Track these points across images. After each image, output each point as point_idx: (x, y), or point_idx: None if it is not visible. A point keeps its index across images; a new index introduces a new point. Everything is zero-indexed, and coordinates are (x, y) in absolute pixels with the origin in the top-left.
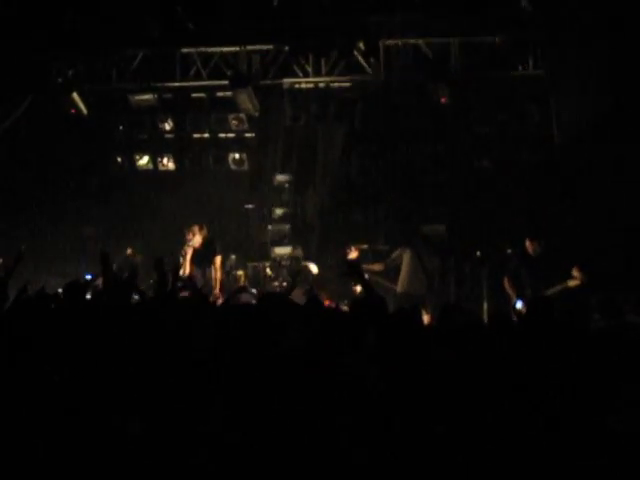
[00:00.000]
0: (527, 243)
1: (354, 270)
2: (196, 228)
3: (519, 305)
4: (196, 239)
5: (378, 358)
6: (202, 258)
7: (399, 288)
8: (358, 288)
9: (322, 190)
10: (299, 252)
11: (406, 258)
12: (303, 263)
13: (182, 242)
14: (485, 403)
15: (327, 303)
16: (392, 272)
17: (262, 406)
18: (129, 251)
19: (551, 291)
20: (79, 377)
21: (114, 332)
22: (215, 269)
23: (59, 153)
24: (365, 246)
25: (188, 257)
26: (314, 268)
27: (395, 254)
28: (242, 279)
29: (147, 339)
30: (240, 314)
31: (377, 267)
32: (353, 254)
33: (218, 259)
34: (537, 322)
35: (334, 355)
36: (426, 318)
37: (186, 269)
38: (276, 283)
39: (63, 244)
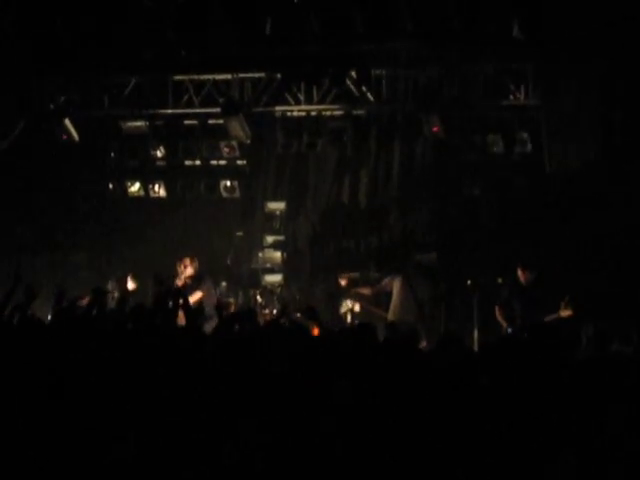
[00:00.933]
0: (519, 272)
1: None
2: (187, 260)
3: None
4: (187, 271)
5: (361, 388)
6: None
7: (390, 316)
8: (348, 316)
9: (313, 217)
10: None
11: (397, 286)
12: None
13: (173, 273)
14: (481, 436)
15: (315, 331)
16: (384, 300)
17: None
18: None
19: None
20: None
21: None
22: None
23: (50, 179)
24: (356, 274)
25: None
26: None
27: (385, 281)
28: (232, 307)
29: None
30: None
31: (366, 291)
32: (343, 282)
33: (197, 295)
34: (540, 349)
35: (318, 382)
36: (422, 345)
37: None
38: (267, 311)
39: (53, 269)
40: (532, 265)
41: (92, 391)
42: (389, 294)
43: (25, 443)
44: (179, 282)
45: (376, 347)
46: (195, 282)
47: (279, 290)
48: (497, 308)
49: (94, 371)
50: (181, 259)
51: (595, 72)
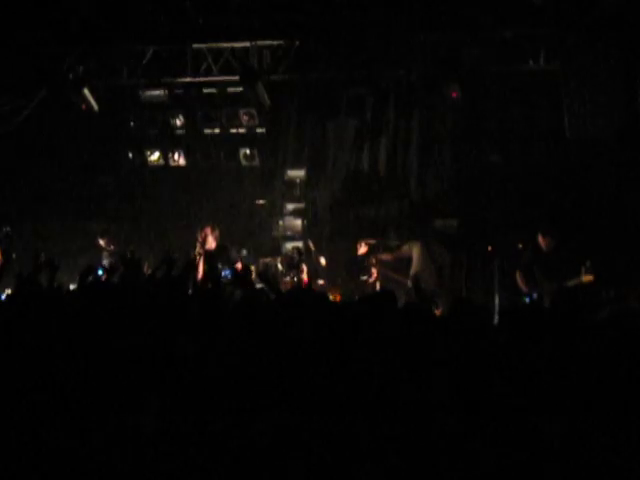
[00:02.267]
0: (539, 238)
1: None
2: (209, 229)
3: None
4: (209, 240)
5: (383, 351)
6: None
7: (410, 282)
8: (370, 280)
9: (333, 185)
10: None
11: (416, 252)
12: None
13: (193, 242)
14: (496, 398)
15: (337, 298)
16: (404, 266)
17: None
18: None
19: (565, 286)
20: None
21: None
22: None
23: (70, 149)
24: (375, 241)
25: (201, 260)
26: (323, 260)
27: (404, 247)
28: (253, 274)
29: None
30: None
31: (386, 257)
32: (362, 249)
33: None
34: (563, 314)
35: (340, 348)
36: (437, 312)
37: (199, 272)
38: (287, 278)
39: (73, 240)
40: (553, 231)
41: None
42: (409, 260)
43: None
44: (200, 251)
45: (396, 314)
46: (217, 251)
47: (300, 256)
48: (518, 274)
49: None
50: (202, 228)
51: (618, 37)
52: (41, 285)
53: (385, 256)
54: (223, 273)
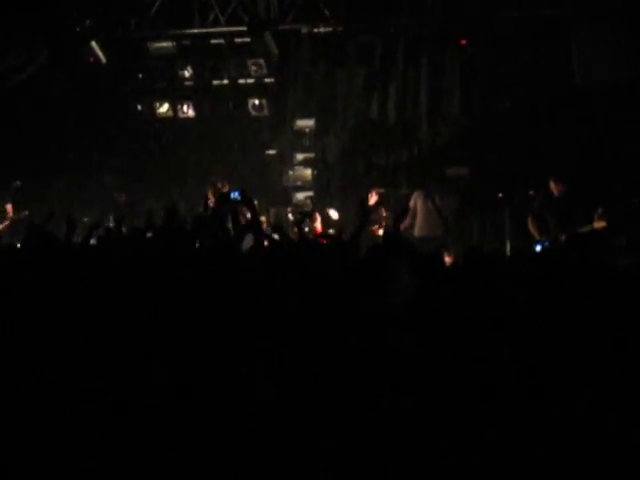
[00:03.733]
0: (551, 184)
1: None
2: (218, 185)
3: (538, 250)
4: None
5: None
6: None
7: (416, 232)
8: (381, 232)
9: (343, 134)
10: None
11: (419, 201)
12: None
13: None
14: (517, 342)
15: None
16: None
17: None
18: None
19: (578, 232)
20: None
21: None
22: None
23: (78, 102)
24: (383, 190)
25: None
26: (334, 214)
27: (411, 201)
28: (264, 224)
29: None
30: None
31: (406, 224)
32: (373, 198)
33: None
34: (573, 258)
35: (364, 294)
36: (447, 260)
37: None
38: (296, 229)
39: (82, 193)
40: (564, 177)
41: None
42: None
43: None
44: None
45: (405, 262)
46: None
47: (312, 206)
48: (530, 220)
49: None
50: (212, 184)
51: None
52: (52, 236)
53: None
54: (232, 195)
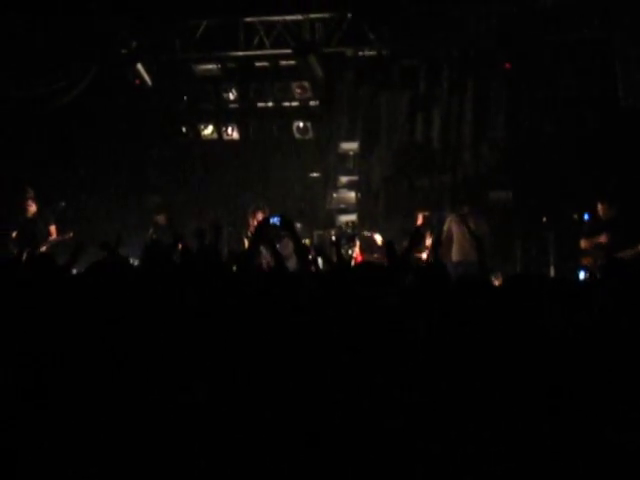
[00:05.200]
0: (599, 207)
1: (417, 239)
2: (260, 214)
3: (582, 276)
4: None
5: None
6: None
7: (454, 257)
8: (424, 256)
9: (387, 157)
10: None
11: (454, 226)
12: (367, 233)
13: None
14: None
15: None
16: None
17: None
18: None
19: (622, 255)
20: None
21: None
22: None
23: (124, 124)
24: (428, 213)
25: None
26: (379, 238)
27: (445, 225)
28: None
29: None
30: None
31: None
32: (419, 221)
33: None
34: (612, 284)
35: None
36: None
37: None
38: (342, 251)
39: (129, 215)
40: (612, 199)
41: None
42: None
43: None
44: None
45: (447, 285)
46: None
47: (354, 230)
48: (583, 240)
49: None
50: (254, 212)
51: None
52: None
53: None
54: (272, 220)
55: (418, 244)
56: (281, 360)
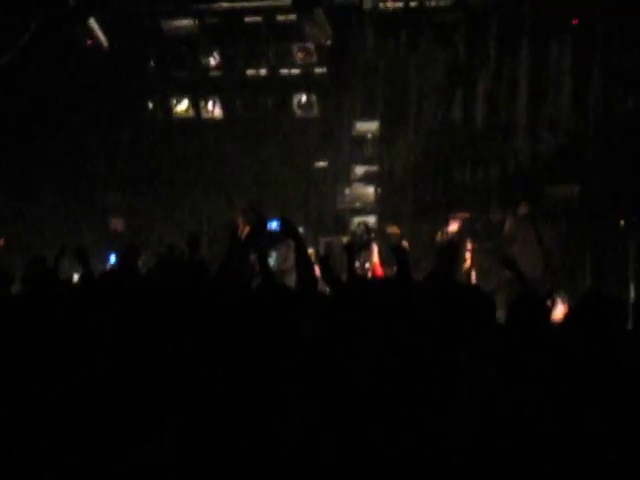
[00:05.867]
0: None
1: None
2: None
3: None
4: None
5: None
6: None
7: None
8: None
9: (416, 141)
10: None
11: (520, 229)
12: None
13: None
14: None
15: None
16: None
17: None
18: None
19: None
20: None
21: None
22: None
23: (70, 97)
24: (470, 215)
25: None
26: (404, 244)
27: (506, 228)
28: (312, 259)
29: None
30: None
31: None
32: (453, 226)
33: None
34: None
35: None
36: (561, 310)
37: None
38: (356, 264)
39: (75, 219)
40: None
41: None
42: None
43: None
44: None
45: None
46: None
47: (368, 235)
48: None
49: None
50: (244, 210)
51: None
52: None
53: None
54: (269, 225)
55: (453, 259)
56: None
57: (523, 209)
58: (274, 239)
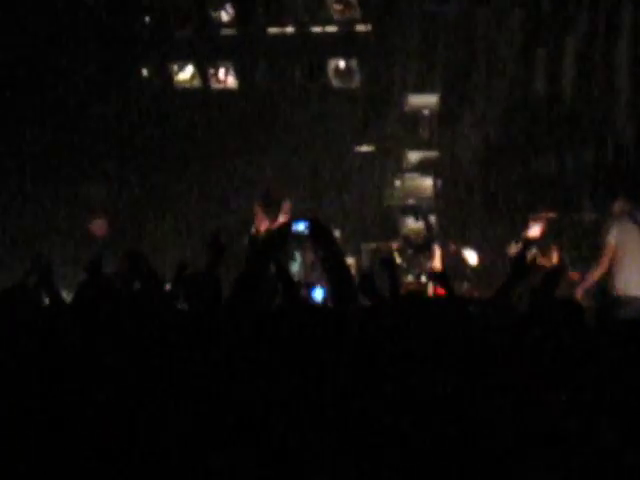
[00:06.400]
0: None
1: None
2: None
3: None
4: (262, 223)
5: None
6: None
7: (616, 286)
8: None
9: (486, 119)
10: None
11: (625, 237)
12: (452, 246)
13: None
14: None
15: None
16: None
17: None
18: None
19: None
20: None
21: None
22: None
23: (44, 62)
24: (553, 214)
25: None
26: (472, 256)
27: (607, 236)
28: (352, 270)
29: None
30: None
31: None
32: (534, 230)
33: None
34: None
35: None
36: None
37: None
38: (410, 277)
39: (53, 219)
40: None
41: None
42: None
43: None
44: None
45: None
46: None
47: (429, 234)
48: None
49: None
50: (262, 201)
51: None
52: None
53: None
54: (295, 226)
55: (531, 270)
56: None
57: (622, 206)
58: (297, 243)
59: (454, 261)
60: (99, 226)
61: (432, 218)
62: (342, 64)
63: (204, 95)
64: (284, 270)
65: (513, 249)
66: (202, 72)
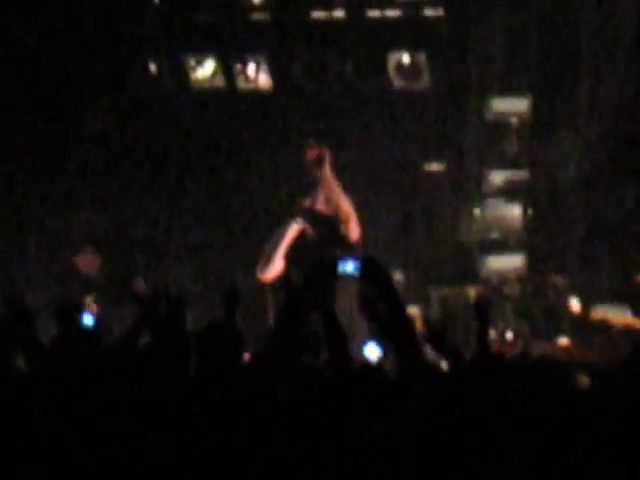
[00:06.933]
0: None
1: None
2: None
3: None
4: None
5: None
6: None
7: None
8: None
9: (592, 131)
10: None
11: None
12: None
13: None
14: None
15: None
16: None
17: None
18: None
19: None
20: None
21: None
22: None
23: (36, 58)
24: None
25: (289, 235)
26: (575, 304)
27: None
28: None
29: None
30: None
31: None
32: None
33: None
34: None
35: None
36: None
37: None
38: (493, 334)
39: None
40: None
41: None
42: None
43: None
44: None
45: None
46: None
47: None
48: None
49: None
50: (302, 209)
51: None
52: None
53: None
54: (341, 266)
55: None
56: None
57: None
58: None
59: (552, 300)
60: (88, 262)
61: (519, 258)
62: (406, 59)
63: (229, 98)
64: (335, 320)
65: None
66: (226, 68)
